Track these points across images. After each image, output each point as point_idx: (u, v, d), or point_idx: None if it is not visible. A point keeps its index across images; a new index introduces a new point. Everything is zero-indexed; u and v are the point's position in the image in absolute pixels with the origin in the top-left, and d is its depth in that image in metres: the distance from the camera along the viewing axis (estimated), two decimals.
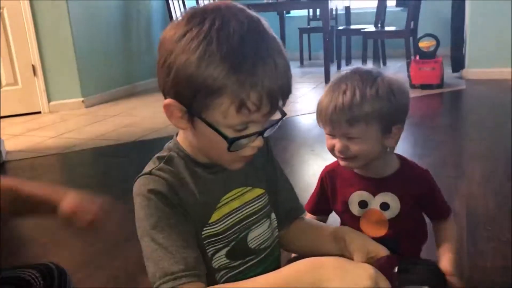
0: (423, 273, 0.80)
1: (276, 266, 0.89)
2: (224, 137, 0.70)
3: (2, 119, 3.55)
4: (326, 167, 1.13)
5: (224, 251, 0.80)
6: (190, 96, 0.69)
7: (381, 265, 0.74)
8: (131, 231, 1.78)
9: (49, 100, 4.13)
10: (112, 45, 4.58)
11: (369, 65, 1.05)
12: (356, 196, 1.06)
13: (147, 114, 3.79)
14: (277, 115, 0.75)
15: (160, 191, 0.74)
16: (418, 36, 4.33)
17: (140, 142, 3.05)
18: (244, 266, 0.83)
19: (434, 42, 3.98)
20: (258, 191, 0.85)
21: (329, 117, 0.97)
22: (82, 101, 4.20)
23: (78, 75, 4.15)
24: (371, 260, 0.79)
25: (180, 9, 5.07)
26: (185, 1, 5.13)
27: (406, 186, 1.05)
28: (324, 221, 1.19)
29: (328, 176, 1.11)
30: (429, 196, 1.07)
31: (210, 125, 0.70)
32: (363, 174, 1.07)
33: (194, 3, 5.11)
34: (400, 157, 1.09)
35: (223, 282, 0.81)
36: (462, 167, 2.28)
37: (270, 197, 0.88)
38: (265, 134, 0.75)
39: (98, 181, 2.51)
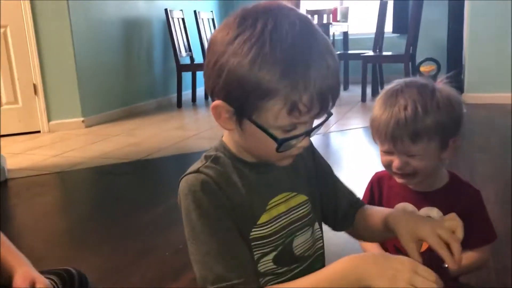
0: None
1: None
2: (274, 138, 0.70)
3: (1, 138, 3.50)
4: (376, 173, 1.12)
5: (271, 256, 0.79)
6: (241, 98, 0.68)
7: (431, 257, 0.72)
8: (146, 247, 1.76)
9: (49, 120, 4.09)
10: (113, 65, 4.58)
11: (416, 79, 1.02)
12: (400, 207, 1.04)
13: (149, 134, 3.77)
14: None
15: (211, 192, 0.74)
16: (417, 60, 4.39)
17: (145, 161, 3.02)
18: (290, 274, 0.81)
19: (434, 67, 4.03)
20: (302, 198, 0.84)
21: (391, 134, 0.94)
22: (82, 121, 4.17)
23: (79, 95, 4.13)
24: (420, 247, 0.76)
25: (181, 31, 5.11)
26: (186, 25, 5.18)
27: (452, 203, 1.02)
28: None
29: (377, 183, 1.10)
30: (475, 218, 1.02)
31: (260, 127, 0.70)
32: (411, 185, 1.05)
33: (194, 25, 5.16)
34: (450, 173, 1.07)
35: None
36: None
37: (314, 205, 0.86)
38: (312, 135, 0.75)
39: (103, 199, 2.46)
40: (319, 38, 0.69)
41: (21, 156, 3.26)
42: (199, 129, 3.93)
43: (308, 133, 0.73)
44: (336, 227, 0.94)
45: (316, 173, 0.89)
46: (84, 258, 1.68)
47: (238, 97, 0.68)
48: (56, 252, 1.78)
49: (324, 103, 0.69)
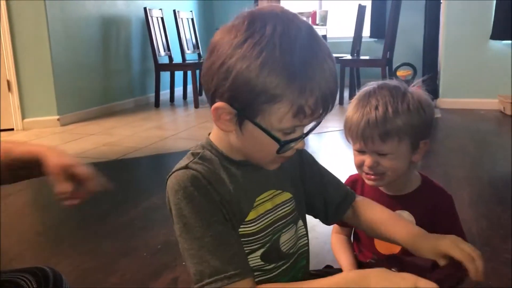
0: None
1: (303, 274, 0.89)
2: (277, 140, 0.71)
3: None
4: (350, 176, 1.13)
5: (259, 253, 0.80)
6: (246, 101, 0.69)
7: (447, 275, 0.74)
8: (125, 247, 1.74)
9: (23, 117, 4.01)
10: (90, 63, 4.51)
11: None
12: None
13: (126, 134, 3.72)
14: None
15: (202, 187, 0.74)
16: (394, 65, 4.46)
17: (122, 160, 2.98)
18: (277, 271, 0.83)
19: (410, 71, 4.10)
20: (287, 195, 0.85)
21: (361, 133, 0.97)
22: (58, 119, 4.09)
23: (54, 92, 4.06)
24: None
25: (160, 31, 5.07)
26: (165, 24, 5.14)
27: (423, 206, 1.03)
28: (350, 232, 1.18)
29: (351, 185, 1.11)
30: (445, 223, 1.03)
31: (264, 130, 0.71)
32: (382, 189, 1.07)
33: (173, 25, 5.13)
34: (423, 176, 1.08)
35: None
36: (450, 191, 2.32)
37: (298, 203, 0.87)
38: (305, 136, 0.76)
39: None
40: (321, 43, 0.71)
41: None
42: (177, 130, 3.90)
43: (306, 135, 0.75)
44: (327, 221, 0.94)
45: (303, 169, 0.90)
46: (61, 259, 1.66)
47: (244, 100, 0.69)
48: (32, 253, 1.75)
49: (326, 105, 0.71)
